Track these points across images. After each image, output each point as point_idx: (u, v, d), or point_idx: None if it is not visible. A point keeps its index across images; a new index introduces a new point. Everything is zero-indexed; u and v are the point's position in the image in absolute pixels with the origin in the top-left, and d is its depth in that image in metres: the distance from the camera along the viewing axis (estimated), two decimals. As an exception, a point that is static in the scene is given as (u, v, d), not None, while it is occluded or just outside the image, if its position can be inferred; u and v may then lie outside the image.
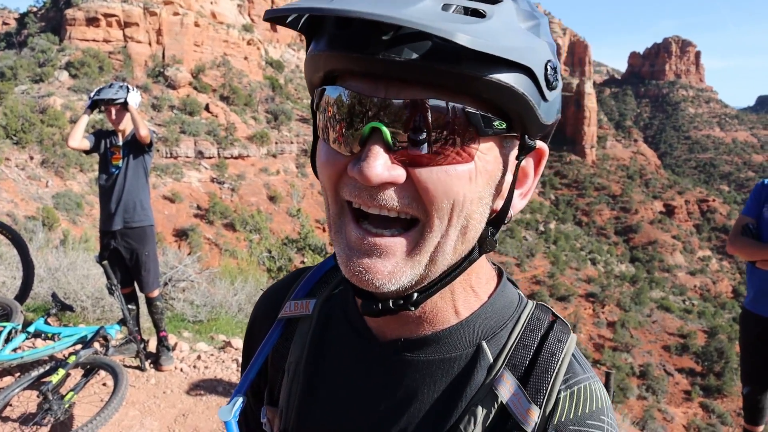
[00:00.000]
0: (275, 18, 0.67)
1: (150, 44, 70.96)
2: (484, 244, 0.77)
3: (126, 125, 5.36)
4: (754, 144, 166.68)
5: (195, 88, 69.42)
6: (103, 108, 5.31)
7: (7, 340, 4.93)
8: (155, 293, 5.58)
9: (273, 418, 0.95)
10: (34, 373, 4.58)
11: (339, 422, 0.86)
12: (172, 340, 6.16)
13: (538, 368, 0.78)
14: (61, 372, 4.45)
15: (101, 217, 5.48)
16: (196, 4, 78.88)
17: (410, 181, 0.68)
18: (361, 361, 0.86)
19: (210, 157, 60.30)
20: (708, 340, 58.71)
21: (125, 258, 5.42)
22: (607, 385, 3.04)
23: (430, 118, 0.65)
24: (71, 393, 4.41)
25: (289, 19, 0.70)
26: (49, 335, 5.09)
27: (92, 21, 67.53)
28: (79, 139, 5.31)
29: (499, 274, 0.90)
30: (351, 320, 0.89)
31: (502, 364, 0.79)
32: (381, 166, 0.65)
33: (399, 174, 0.67)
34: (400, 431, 0.81)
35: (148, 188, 5.54)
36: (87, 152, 5.46)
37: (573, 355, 0.81)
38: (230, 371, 5.77)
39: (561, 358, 0.79)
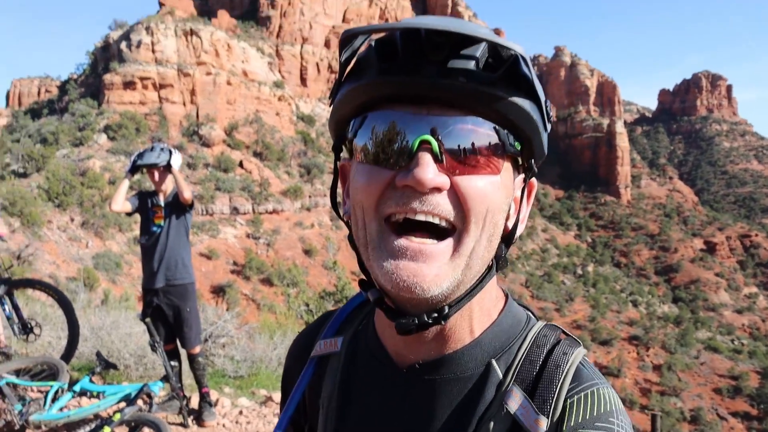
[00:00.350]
0: (359, 32, 0.77)
1: (184, 104, 73.18)
2: (499, 260, 0.86)
3: (167, 186, 5.53)
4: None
5: (229, 146, 71.08)
6: (145, 171, 5.49)
7: (54, 399, 5.00)
8: (197, 350, 5.63)
9: None
10: (81, 432, 4.63)
11: None
12: (213, 395, 6.18)
13: (544, 380, 0.82)
14: (107, 430, 4.49)
15: (144, 275, 5.61)
16: (228, 64, 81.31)
17: (452, 189, 0.77)
18: (383, 387, 0.92)
19: (245, 213, 61.19)
20: (762, 381, 56.33)
21: (167, 315, 5.50)
22: (653, 429, 2.97)
23: (468, 134, 0.76)
24: (117, 451, 4.45)
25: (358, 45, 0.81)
26: (95, 393, 5.16)
27: (129, 84, 70.07)
28: (122, 202, 5.49)
29: (506, 296, 0.96)
30: (372, 350, 0.95)
31: (510, 380, 0.84)
32: (432, 171, 0.74)
33: (445, 181, 0.76)
34: None
35: (189, 246, 5.68)
36: (129, 214, 5.63)
37: (581, 365, 0.85)
38: (272, 425, 5.75)
39: (566, 369, 0.82)
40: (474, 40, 0.74)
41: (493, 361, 0.86)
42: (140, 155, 5.48)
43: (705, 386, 58.72)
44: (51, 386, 5.11)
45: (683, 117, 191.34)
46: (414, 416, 0.88)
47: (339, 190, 0.95)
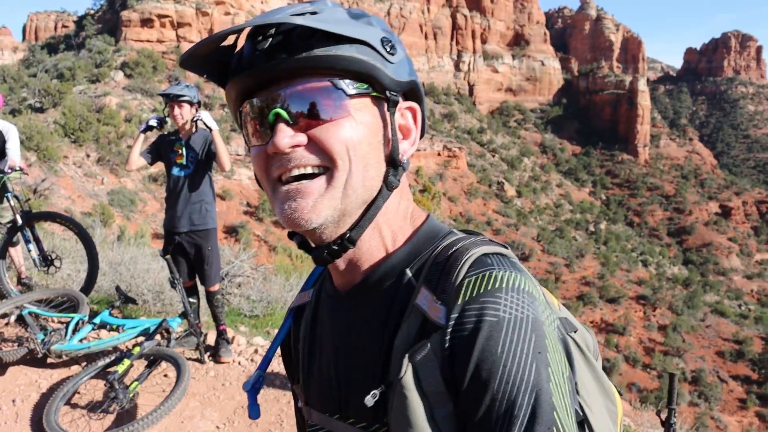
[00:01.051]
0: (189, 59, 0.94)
1: (202, 44, 72.36)
2: (387, 182, 0.95)
3: (189, 124, 5.44)
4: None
5: (246, 87, 70.56)
6: (167, 105, 5.41)
7: (75, 331, 5.10)
8: (216, 287, 5.68)
9: (299, 394, 1.16)
10: (101, 363, 4.74)
11: (326, 371, 1.05)
12: (229, 333, 6.26)
13: (444, 273, 0.89)
14: (127, 362, 4.58)
15: (167, 216, 5.58)
16: (247, 4, 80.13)
17: (312, 142, 0.90)
18: (334, 318, 1.05)
19: (260, 155, 61.17)
20: (765, 347, 56.68)
21: (188, 253, 5.53)
22: (671, 387, 2.96)
23: (309, 94, 0.89)
24: (135, 383, 4.54)
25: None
26: (114, 327, 5.24)
27: (146, 22, 69.39)
28: (136, 160, 5.47)
29: (427, 216, 1.05)
30: (326, 290, 1.09)
31: (420, 282, 0.91)
32: (287, 135, 0.88)
33: (301, 139, 0.89)
34: (357, 359, 0.98)
35: (213, 190, 5.62)
36: (151, 164, 5.57)
37: (487, 256, 0.89)
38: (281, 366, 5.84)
39: (464, 259, 0.88)
40: (278, 25, 0.89)
41: (407, 270, 0.96)
42: (166, 90, 5.43)
43: (708, 349, 59.05)
44: (72, 318, 5.21)
45: (708, 78, 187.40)
46: (350, 332, 1.00)
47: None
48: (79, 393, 4.74)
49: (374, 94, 0.94)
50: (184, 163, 5.41)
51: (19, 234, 6.33)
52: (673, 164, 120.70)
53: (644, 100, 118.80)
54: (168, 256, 5.28)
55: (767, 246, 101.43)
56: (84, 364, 5.19)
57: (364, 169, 0.92)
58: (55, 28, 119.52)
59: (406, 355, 0.85)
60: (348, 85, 0.90)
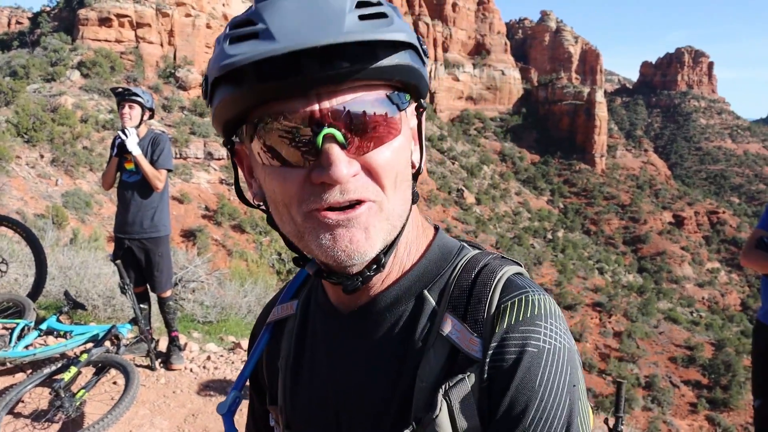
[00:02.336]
0: (231, 67, 0.73)
1: (162, 45, 71.40)
2: (413, 197, 0.88)
3: (140, 128, 5.32)
4: (766, 156, 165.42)
5: (206, 90, 69.70)
6: (119, 102, 5.27)
7: (20, 337, 4.97)
8: (168, 293, 5.59)
9: (277, 416, 1.05)
10: (47, 371, 4.60)
11: (318, 394, 0.96)
12: (182, 340, 6.18)
13: (473, 300, 0.84)
14: (73, 370, 4.47)
15: (117, 221, 5.46)
16: (208, 6, 79.26)
17: (363, 168, 0.78)
18: (329, 336, 0.95)
19: (219, 159, 60.45)
20: (715, 353, 58.20)
21: (139, 258, 5.43)
22: (618, 395, 3.02)
23: (364, 111, 0.76)
24: (83, 391, 4.44)
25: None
26: (61, 333, 5.13)
27: (105, 21, 67.99)
28: (111, 181, 5.39)
29: (436, 229, 0.98)
30: (321, 306, 0.98)
31: (443, 307, 0.85)
32: (345, 164, 0.74)
33: (356, 167, 0.77)
34: (367, 390, 0.89)
35: (166, 196, 5.48)
36: None
37: (513, 278, 0.86)
38: (239, 372, 5.78)
39: (493, 285, 0.84)
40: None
41: (425, 291, 0.88)
42: (114, 89, 5.31)
43: (662, 354, 60.44)
44: (17, 323, 5.07)
45: (663, 91, 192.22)
46: (356, 359, 0.91)
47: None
48: (23, 402, 4.60)
49: (415, 104, 0.86)
50: (134, 169, 5.29)
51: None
52: (629, 174, 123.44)
53: (601, 111, 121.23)
54: (118, 261, 5.19)
55: (717, 255, 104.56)
56: (29, 371, 5.05)
57: (404, 192, 0.84)
58: (9, 24, 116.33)
59: (440, 392, 0.79)
60: (400, 98, 0.80)
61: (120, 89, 5.26)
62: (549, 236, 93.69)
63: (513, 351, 0.78)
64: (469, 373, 0.79)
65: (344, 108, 0.75)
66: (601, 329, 63.44)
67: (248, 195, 0.91)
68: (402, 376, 0.85)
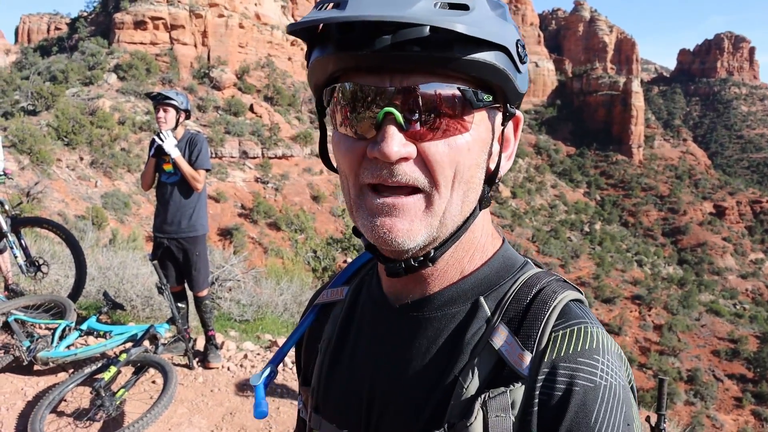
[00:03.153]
0: (299, 27, 0.76)
1: (195, 46, 72.33)
2: (482, 202, 0.88)
3: (177, 130, 5.39)
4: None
5: (239, 89, 70.48)
6: (156, 106, 5.35)
7: (62, 337, 5.05)
8: (204, 293, 5.63)
9: (307, 397, 1.06)
10: (87, 370, 4.67)
11: (355, 382, 0.96)
12: (219, 339, 6.22)
13: (530, 317, 0.83)
14: (113, 369, 4.52)
15: (156, 220, 5.54)
16: (241, 6, 80.00)
17: (419, 156, 0.79)
18: (377, 327, 0.96)
19: (254, 157, 61.07)
20: (760, 346, 56.78)
21: (177, 257, 5.48)
22: (660, 392, 2.92)
23: (431, 99, 0.76)
24: (122, 390, 4.49)
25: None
26: (101, 333, 5.20)
27: (140, 24, 69.21)
28: (150, 182, 5.47)
29: (503, 239, 0.98)
30: (372, 295, 0.99)
31: (497, 317, 0.85)
32: (398, 144, 0.76)
33: (412, 150, 0.78)
34: (405, 384, 0.89)
35: (204, 195, 5.56)
36: None
37: (572, 304, 0.85)
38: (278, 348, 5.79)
39: (552, 306, 0.83)
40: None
41: (481, 298, 0.88)
42: (150, 94, 5.41)
43: (704, 348, 59.24)
44: (58, 324, 5.16)
45: (702, 78, 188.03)
46: (401, 352, 0.91)
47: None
48: (65, 401, 4.68)
49: (496, 105, 0.84)
50: (172, 170, 5.35)
51: (5, 240, 6.26)
52: (667, 165, 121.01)
53: (638, 101, 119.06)
54: (155, 261, 5.24)
55: (761, 245, 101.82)
56: (71, 371, 5.13)
57: (465, 194, 0.84)
58: (48, 30, 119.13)
59: (479, 400, 0.79)
60: (475, 96, 0.80)
61: (154, 93, 5.33)
62: (586, 229, 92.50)
63: (567, 381, 0.77)
64: (512, 388, 0.79)
65: (412, 90, 0.76)
66: (641, 322, 62.47)
67: (332, 158, 0.92)
68: (443, 378, 0.85)
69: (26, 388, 4.87)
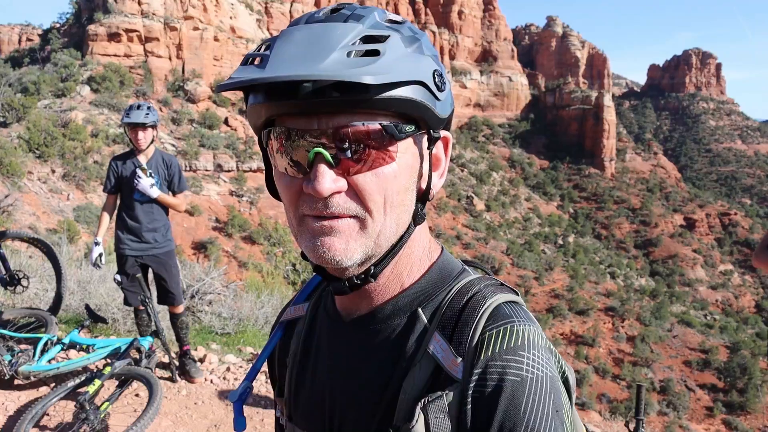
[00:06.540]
0: (225, 90, 0.82)
1: (170, 59, 71.83)
2: (416, 218, 0.95)
3: (150, 148, 5.39)
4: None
5: (214, 102, 70.03)
6: (128, 129, 5.28)
7: (43, 351, 5.03)
8: (181, 308, 5.66)
9: (283, 407, 1.16)
10: (71, 384, 4.67)
11: (317, 394, 1.05)
12: (201, 351, 6.23)
13: (461, 323, 0.89)
14: (98, 383, 4.52)
15: (123, 240, 5.43)
16: (216, 19, 79.78)
17: (351, 187, 0.85)
18: (333, 341, 1.04)
19: (229, 171, 60.68)
20: (730, 356, 57.68)
21: (156, 274, 5.51)
22: (638, 398, 3.05)
23: (355, 136, 0.83)
24: (106, 403, 4.49)
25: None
26: (84, 347, 5.19)
27: (114, 36, 68.55)
28: (105, 227, 5.52)
29: (441, 250, 1.04)
30: (327, 310, 1.08)
31: (433, 326, 0.92)
32: (329, 181, 0.83)
33: (342, 184, 0.84)
34: (359, 393, 0.97)
35: (167, 211, 5.57)
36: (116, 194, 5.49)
37: (503, 306, 0.91)
38: (259, 383, 5.82)
39: (481, 311, 0.89)
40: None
41: (419, 309, 0.95)
42: (128, 113, 5.26)
43: (676, 358, 59.95)
44: (40, 338, 5.14)
45: (671, 93, 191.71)
46: (354, 363, 0.99)
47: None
48: (48, 415, 4.66)
49: (419, 133, 0.90)
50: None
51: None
52: (639, 178, 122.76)
53: (610, 115, 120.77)
54: (139, 275, 5.26)
55: (730, 257, 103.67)
56: (53, 385, 5.12)
57: (398, 216, 0.90)
58: (19, 41, 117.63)
59: (419, 404, 0.85)
60: (397, 129, 0.85)
61: (129, 120, 5.20)
62: (560, 241, 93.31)
63: (497, 379, 0.83)
64: (447, 392, 0.85)
65: (336, 131, 0.82)
66: (615, 334, 63.03)
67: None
68: (389, 387, 0.92)
69: (7, 402, 4.84)
